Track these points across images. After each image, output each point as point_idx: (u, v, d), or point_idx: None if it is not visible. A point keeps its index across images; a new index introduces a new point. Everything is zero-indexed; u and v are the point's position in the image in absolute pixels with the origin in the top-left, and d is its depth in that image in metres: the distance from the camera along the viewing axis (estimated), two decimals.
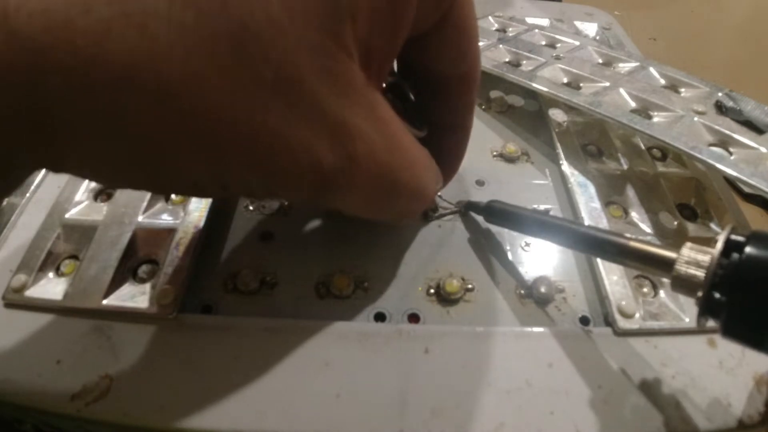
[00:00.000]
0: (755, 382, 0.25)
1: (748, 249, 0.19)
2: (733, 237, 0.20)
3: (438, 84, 0.25)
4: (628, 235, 0.25)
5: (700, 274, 0.20)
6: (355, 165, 0.18)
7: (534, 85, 0.40)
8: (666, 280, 0.29)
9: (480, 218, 0.33)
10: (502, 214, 0.31)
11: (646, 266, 0.24)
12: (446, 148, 0.28)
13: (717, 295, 0.20)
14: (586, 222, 0.32)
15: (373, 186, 0.20)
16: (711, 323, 0.20)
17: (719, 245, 0.20)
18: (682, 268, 0.21)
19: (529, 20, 0.53)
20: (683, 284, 0.21)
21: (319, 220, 0.34)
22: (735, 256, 0.20)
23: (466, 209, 0.34)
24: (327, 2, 0.15)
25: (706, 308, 0.20)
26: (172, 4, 0.13)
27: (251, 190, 0.20)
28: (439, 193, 0.35)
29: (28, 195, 0.34)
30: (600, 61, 0.44)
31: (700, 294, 0.20)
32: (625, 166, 0.37)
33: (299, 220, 0.34)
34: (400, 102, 0.24)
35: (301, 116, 0.16)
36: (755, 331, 0.19)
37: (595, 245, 0.26)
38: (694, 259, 0.21)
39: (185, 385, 0.25)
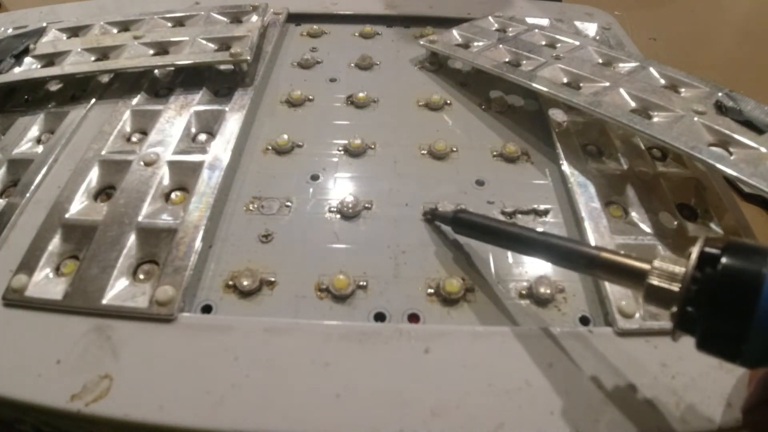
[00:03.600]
0: None
1: (723, 261, 0.18)
2: (708, 249, 0.19)
3: None
4: (602, 246, 0.23)
5: (675, 288, 0.20)
6: None
7: (534, 85, 0.40)
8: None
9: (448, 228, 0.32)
10: (469, 224, 0.30)
11: (618, 278, 0.23)
12: None
13: (691, 310, 0.19)
14: (586, 222, 0.32)
15: None
16: None
17: (693, 259, 0.19)
18: (655, 281, 0.20)
19: (529, 20, 0.53)
20: (656, 297, 0.20)
21: (319, 220, 0.34)
22: (709, 270, 0.19)
23: (432, 218, 0.33)
24: None
25: (681, 324, 0.19)
26: None
27: None
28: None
29: (28, 195, 0.34)
30: (600, 61, 0.44)
31: (674, 309, 0.19)
32: (625, 166, 0.37)
33: (299, 220, 0.34)
34: None
35: None
36: (731, 344, 0.18)
37: (564, 256, 0.25)
38: (668, 271, 0.20)
39: (185, 384, 0.25)
